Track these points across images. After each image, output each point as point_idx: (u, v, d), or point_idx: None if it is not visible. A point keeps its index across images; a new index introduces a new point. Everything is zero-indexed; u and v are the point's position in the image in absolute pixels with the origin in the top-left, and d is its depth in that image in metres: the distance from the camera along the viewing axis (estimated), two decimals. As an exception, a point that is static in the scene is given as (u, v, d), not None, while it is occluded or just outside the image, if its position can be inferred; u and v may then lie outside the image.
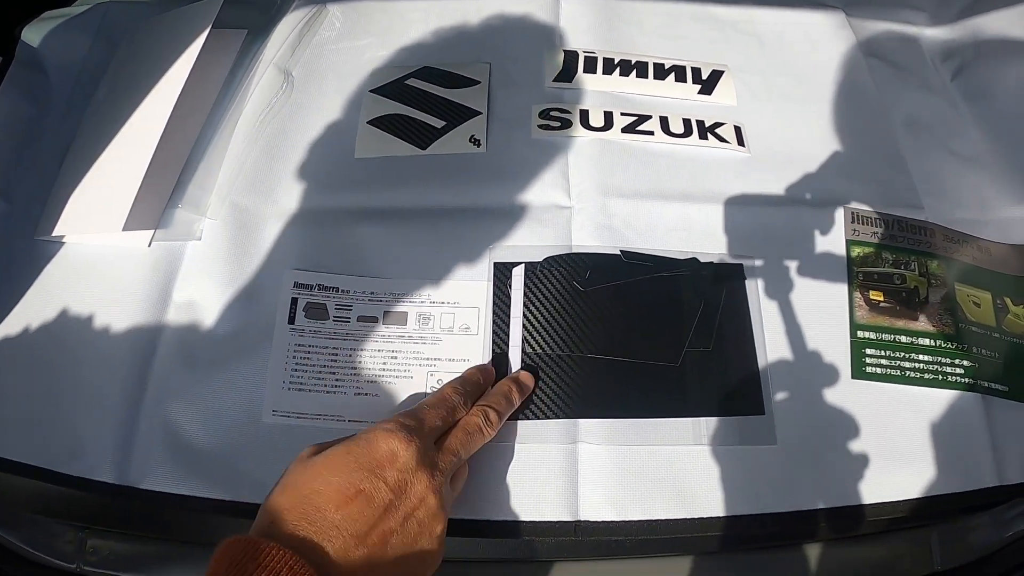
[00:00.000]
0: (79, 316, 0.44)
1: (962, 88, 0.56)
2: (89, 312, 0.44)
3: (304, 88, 0.52)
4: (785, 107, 0.52)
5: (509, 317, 0.43)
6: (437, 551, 0.32)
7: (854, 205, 0.48)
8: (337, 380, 0.41)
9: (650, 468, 0.39)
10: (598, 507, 0.38)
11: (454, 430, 0.35)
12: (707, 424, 0.40)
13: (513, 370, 0.41)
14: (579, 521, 0.38)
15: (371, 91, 0.51)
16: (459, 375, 0.40)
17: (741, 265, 0.45)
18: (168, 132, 0.47)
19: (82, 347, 0.42)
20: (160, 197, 0.48)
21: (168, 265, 0.45)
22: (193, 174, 0.49)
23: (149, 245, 0.46)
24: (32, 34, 0.56)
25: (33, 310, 0.44)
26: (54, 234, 0.46)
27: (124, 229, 0.45)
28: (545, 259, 0.44)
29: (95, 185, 0.48)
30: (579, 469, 0.39)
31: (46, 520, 0.43)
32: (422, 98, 0.51)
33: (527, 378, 0.40)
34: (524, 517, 0.38)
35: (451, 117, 0.50)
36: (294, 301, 0.43)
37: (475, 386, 0.39)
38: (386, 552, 0.30)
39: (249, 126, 0.50)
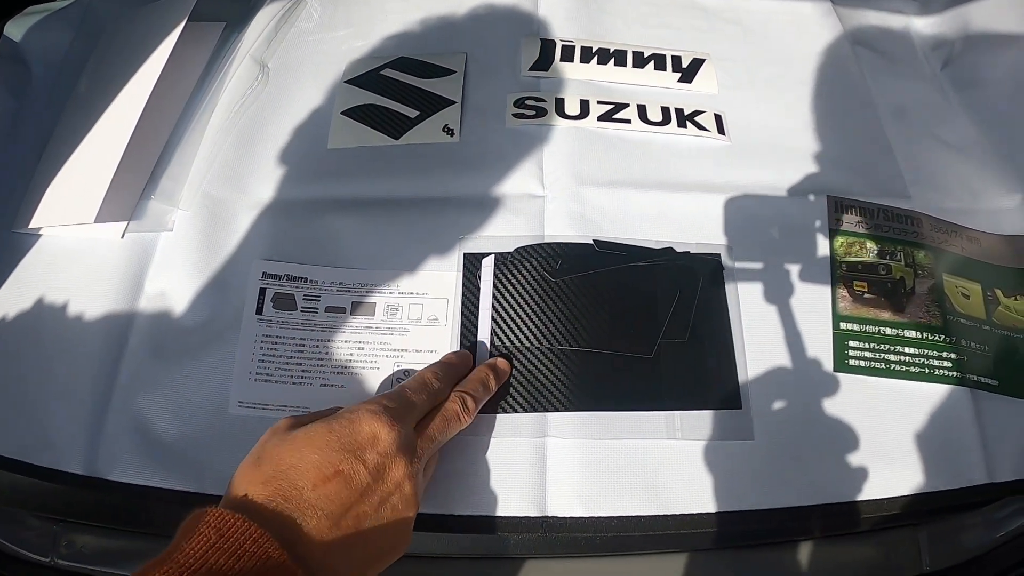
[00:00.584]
0: (52, 307, 0.43)
1: (951, 77, 0.54)
2: (62, 303, 0.43)
3: (280, 79, 0.51)
4: (769, 95, 0.51)
5: (478, 308, 0.41)
6: (405, 537, 0.31)
7: (838, 194, 0.46)
8: (304, 371, 0.40)
9: (622, 463, 0.38)
10: (566, 503, 0.37)
11: (433, 416, 0.34)
12: (682, 418, 0.39)
13: (480, 361, 0.40)
14: (546, 517, 0.36)
15: (346, 81, 0.50)
16: (438, 360, 0.39)
17: (719, 255, 0.43)
18: (142, 124, 0.46)
19: (55, 338, 0.42)
20: (134, 189, 0.47)
21: (141, 256, 0.45)
22: (167, 166, 0.48)
23: (122, 236, 0.45)
24: (15, 29, 0.55)
25: (7, 302, 0.43)
26: (30, 226, 0.46)
27: (96, 220, 0.44)
28: (516, 249, 0.43)
29: (70, 178, 0.47)
30: (547, 464, 0.37)
31: (19, 512, 0.42)
32: (396, 88, 0.50)
33: (504, 365, 0.39)
34: (489, 512, 0.36)
35: (425, 107, 0.48)
36: (262, 291, 0.42)
37: (454, 370, 0.38)
38: (359, 534, 0.29)
39: (223, 118, 0.49)
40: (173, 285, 0.43)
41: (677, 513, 0.37)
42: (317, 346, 0.41)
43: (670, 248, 0.43)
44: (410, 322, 0.41)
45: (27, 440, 0.39)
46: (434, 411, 0.35)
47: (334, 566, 0.28)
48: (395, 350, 0.40)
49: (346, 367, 0.40)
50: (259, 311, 0.42)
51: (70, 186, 0.47)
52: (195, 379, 0.40)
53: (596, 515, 0.36)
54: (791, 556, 0.41)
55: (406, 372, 0.40)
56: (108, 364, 0.41)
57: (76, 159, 0.47)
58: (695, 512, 0.37)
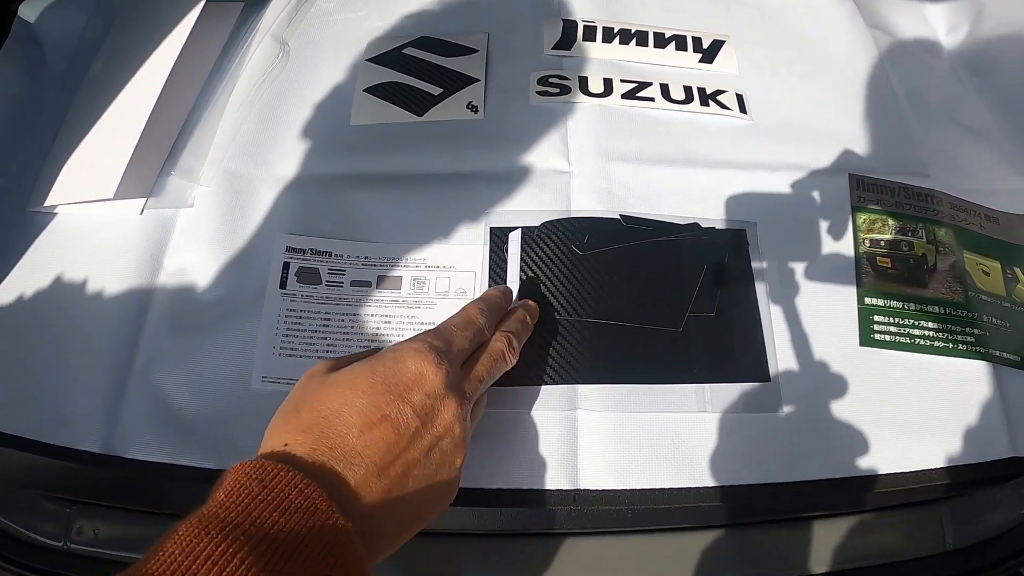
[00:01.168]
0: (69, 285, 0.42)
1: (966, 62, 0.54)
2: (80, 281, 0.42)
3: (300, 58, 0.50)
4: (788, 77, 0.50)
5: (505, 281, 0.40)
6: (455, 483, 0.29)
7: (860, 172, 0.46)
8: (329, 345, 0.39)
9: (652, 435, 0.37)
10: (598, 475, 0.36)
11: (480, 356, 0.32)
12: (711, 391, 0.38)
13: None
14: (578, 490, 0.35)
15: (367, 60, 0.49)
16: (481, 296, 0.35)
17: (744, 231, 0.43)
18: (162, 102, 0.45)
19: (71, 316, 0.40)
20: (153, 165, 0.46)
21: (160, 233, 0.43)
22: (187, 142, 0.47)
23: (141, 213, 0.44)
24: (29, 10, 0.54)
25: (25, 280, 0.42)
26: (46, 204, 0.44)
27: (115, 196, 0.43)
28: (543, 223, 0.42)
29: (87, 155, 0.46)
30: (578, 436, 0.36)
31: (33, 496, 0.41)
32: (419, 66, 0.49)
33: (534, 305, 0.38)
34: (521, 485, 0.35)
35: (448, 84, 0.48)
36: (286, 265, 0.41)
37: (497, 308, 0.35)
38: (407, 483, 0.26)
39: (244, 95, 0.48)
40: (193, 261, 0.42)
41: (706, 485, 0.36)
42: (343, 320, 0.40)
43: (696, 224, 0.43)
44: (437, 295, 0.40)
45: (44, 419, 0.37)
46: (479, 350, 0.32)
47: (383, 517, 0.26)
48: (422, 323, 0.39)
49: (373, 341, 0.39)
50: (283, 285, 0.40)
51: (88, 163, 0.45)
52: (216, 354, 0.39)
53: (627, 487, 0.35)
54: (812, 534, 0.40)
55: (434, 345, 0.39)
56: (126, 341, 0.39)
57: (94, 137, 0.46)
58: (723, 484, 0.36)
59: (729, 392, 0.38)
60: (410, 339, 0.30)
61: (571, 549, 0.39)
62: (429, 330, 0.31)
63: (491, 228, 0.42)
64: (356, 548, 0.23)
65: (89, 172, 0.45)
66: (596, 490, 0.35)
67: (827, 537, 0.40)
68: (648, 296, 0.40)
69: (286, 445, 0.26)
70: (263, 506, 0.22)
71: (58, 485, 0.38)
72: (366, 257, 0.41)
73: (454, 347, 0.30)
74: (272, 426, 0.28)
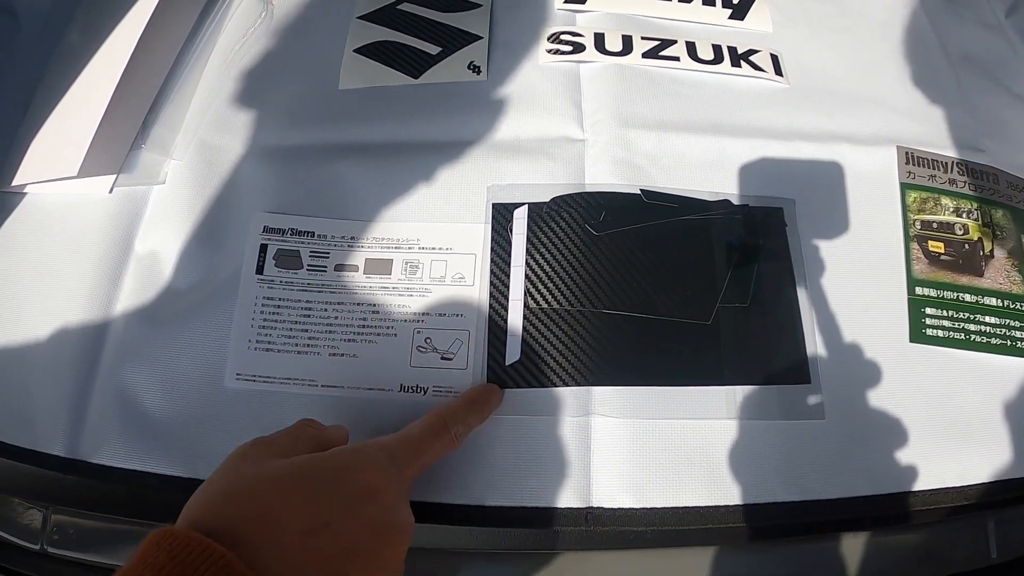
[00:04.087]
0: (33, 273, 0.34)
1: (1017, 26, 0.44)
2: (44, 268, 0.34)
3: (285, 16, 0.41)
4: (828, 37, 0.40)
5: (510, 266, 0.31)
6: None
7: (907, 144, 0.36)
8: (310, 338, 0.31)
9: (676, 446, 0.29)
10: (613, 492, 0.28)
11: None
12: (743, 394, 0.29)
13: (512, 326, 0.30)
14: (591, 508, 0.27)
15: (359, 17, 0.39)
16: (461, 399, 0.28)
17: (781, 209, 0.33)
18: (133, 69, 0.36)
19: (34, 307, 0.32)
20: (124, 139, 0.37)
21: (131, 213, 0.35)
22: (160, 113, 0.38)
23: (110, 191, 0.36)
24: (0, -29, 0.44)
25: None
26: (14, 184, 0.36)
27: (80, 174, 0.34)
28: (552, 199, 0.33)
29: (54, 130, 0.37)
30: (592, 446, 0.28)
31: (4, 495, 0.33)
32: (416, 23, 0.39)
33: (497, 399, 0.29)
34: (525, 503, 0.28)
35: (448, 43, 0.38)
36: (263, 248, 0.32)
37: (472, 416, 0.28)
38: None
39: (223, 59, 0.39)
40: (166, 244, 0.34)
41: (737, 503, 0.28)
42: (325, 310, 0.31)
43: (727, 200, 0.33)
44: (432, 281, 0.31)
45: (4, 418, 0.30)
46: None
47: None
48: (415, 313, 0.31)
49: (358, 334, 0.31)
50: (260, 270, 0.32)
51: (54, 139, 0.37)
52: (188, 349, 0.31)
53: (648, 506, 0.28)
54: (845, 545, 0.32)
55: (427, 339, 0.30)
56: (92, 334, 0.32)
57: (62, 110, 0.38)
58: (758, 502, 0.28)
59: (764, 396, 0.29)
60: (372, 443, 0.24)
61: (582, 565, 0.31)
62: (395, 436, 0.25)
63: (494, 204, 0.33)
64: None
65: (54, 148, 0.36)
66: (612, 508, 0.28)
67: (862, 551, 0.32)
68: (672, 284, 0.31)
69: (208, 530, 0.19)
70: None
71: (21, 488, 0.31)
72: (352, 237, 0.32)
73: (417, 458, 0.25)
74: (199, 497, 0.22)
